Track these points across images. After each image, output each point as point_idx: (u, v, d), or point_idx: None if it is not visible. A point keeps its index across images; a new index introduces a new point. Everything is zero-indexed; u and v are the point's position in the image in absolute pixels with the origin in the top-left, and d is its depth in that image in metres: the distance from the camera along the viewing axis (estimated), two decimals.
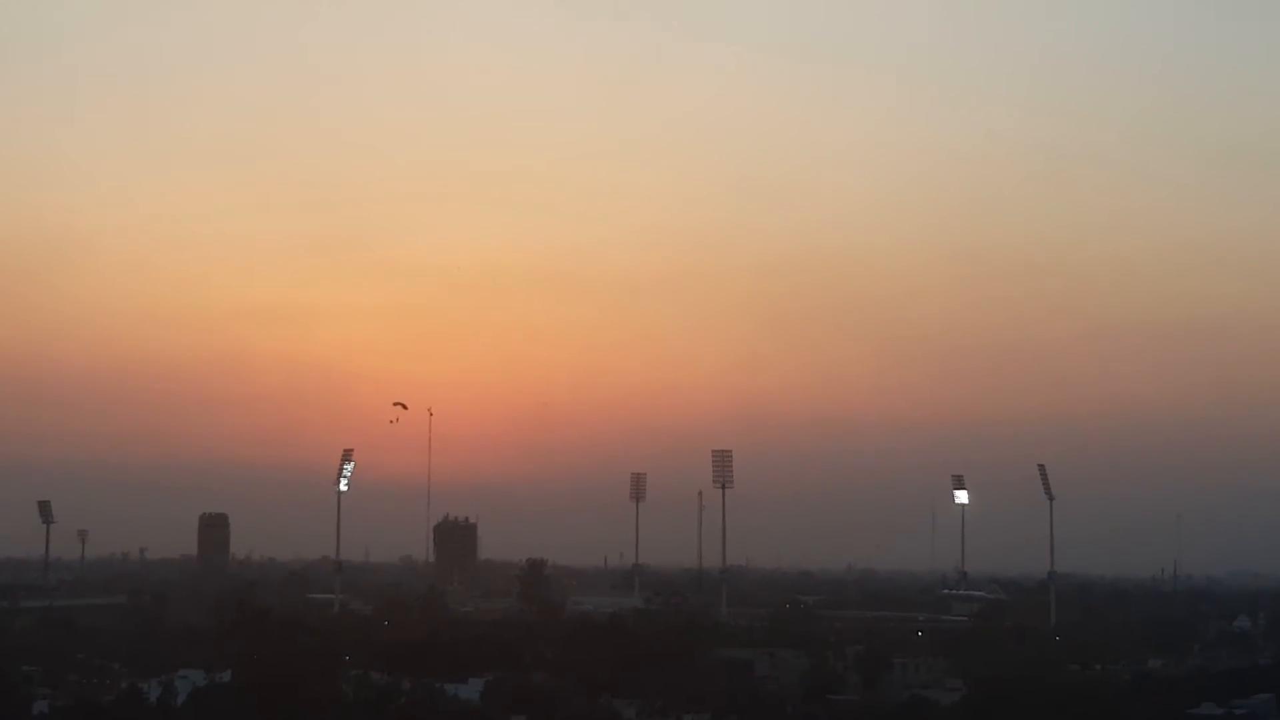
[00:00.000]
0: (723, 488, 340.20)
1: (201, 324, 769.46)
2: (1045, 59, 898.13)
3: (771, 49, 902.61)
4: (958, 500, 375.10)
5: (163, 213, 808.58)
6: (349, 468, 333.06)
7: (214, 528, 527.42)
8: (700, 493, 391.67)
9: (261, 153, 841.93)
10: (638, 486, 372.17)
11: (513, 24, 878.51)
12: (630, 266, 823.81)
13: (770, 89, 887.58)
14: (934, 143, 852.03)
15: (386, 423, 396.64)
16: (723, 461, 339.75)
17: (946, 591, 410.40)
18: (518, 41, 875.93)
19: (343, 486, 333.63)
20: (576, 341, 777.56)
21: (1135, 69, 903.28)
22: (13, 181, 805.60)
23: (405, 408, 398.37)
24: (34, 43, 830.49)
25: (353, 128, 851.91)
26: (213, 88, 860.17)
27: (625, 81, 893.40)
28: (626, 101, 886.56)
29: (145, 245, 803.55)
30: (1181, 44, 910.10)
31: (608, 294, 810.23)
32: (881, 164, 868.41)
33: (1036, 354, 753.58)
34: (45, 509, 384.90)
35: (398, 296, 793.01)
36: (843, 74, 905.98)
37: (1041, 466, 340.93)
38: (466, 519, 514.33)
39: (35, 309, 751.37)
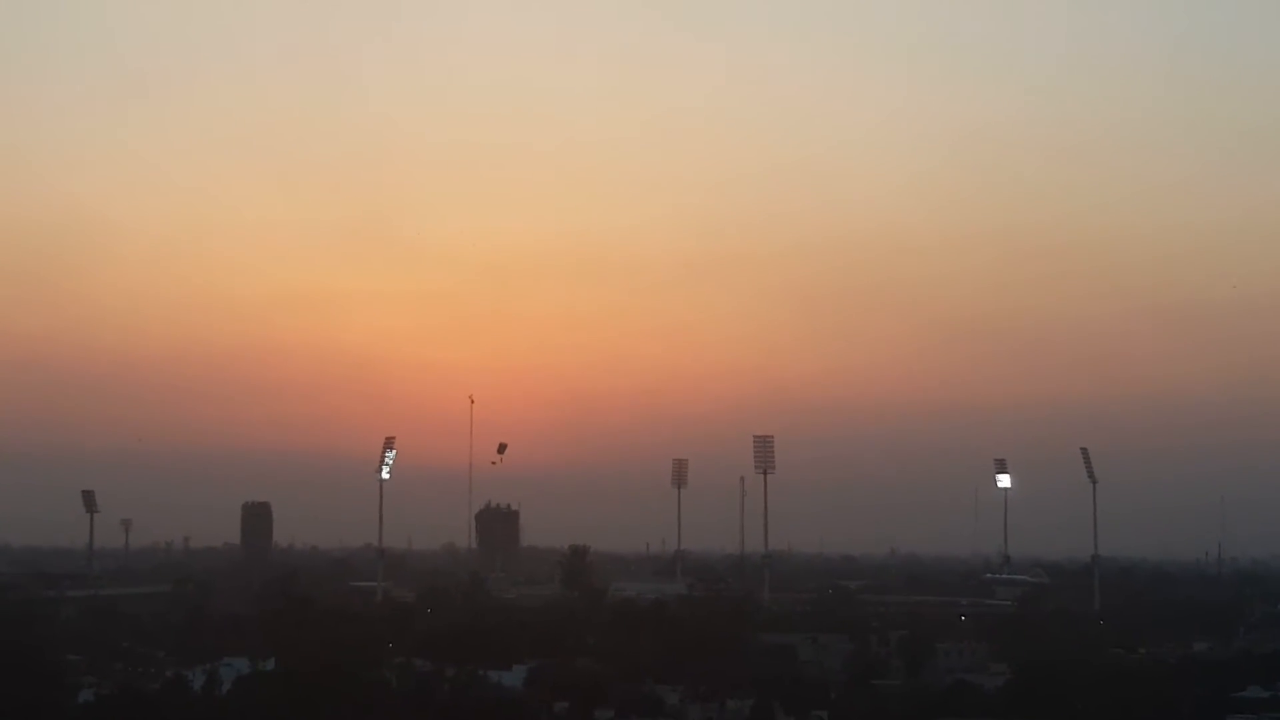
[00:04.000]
0: (764, 473, 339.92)
1: (239, 312, 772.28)
2: (1075, 36, 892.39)
3: (800, 31, 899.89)
4: (1000, 484, 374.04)
5: (197, 201, 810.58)
6: (391, 455, 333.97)
7: (257, 516, 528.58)
8: (742, 478, 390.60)
9: (294, 140, 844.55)
10: (679, 472, 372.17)
11: (541, 9, 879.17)
12: (662, 252, 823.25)
13: (799, 71, 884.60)
14: (964, 122, 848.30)
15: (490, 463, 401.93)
16: (764, 447, 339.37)
17: (990, 576, 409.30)
18: (547, 26, 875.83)
19: (385, 474, 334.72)
20: (609, 328, 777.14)
21: (1166, 44, 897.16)
22: (49, 170, 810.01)
23: (505, 447, 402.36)
24: (68, 34, 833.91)
25: (385, 115, 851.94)
26: (244, 77, 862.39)
27: (654, 67, 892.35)
28: (655, 87, 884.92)
29: (181, 233, 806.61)
30: (1214, 18, 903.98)
31: (639, 280, 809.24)
32: (912, 145, 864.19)
33: (1074, 335, 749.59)
34: (89, 498, 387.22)
35: (430, 283, 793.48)
36: (871, 55, 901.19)
37: (1084, 450, 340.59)
38: (508, 506, 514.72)
39: (73, 297, 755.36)
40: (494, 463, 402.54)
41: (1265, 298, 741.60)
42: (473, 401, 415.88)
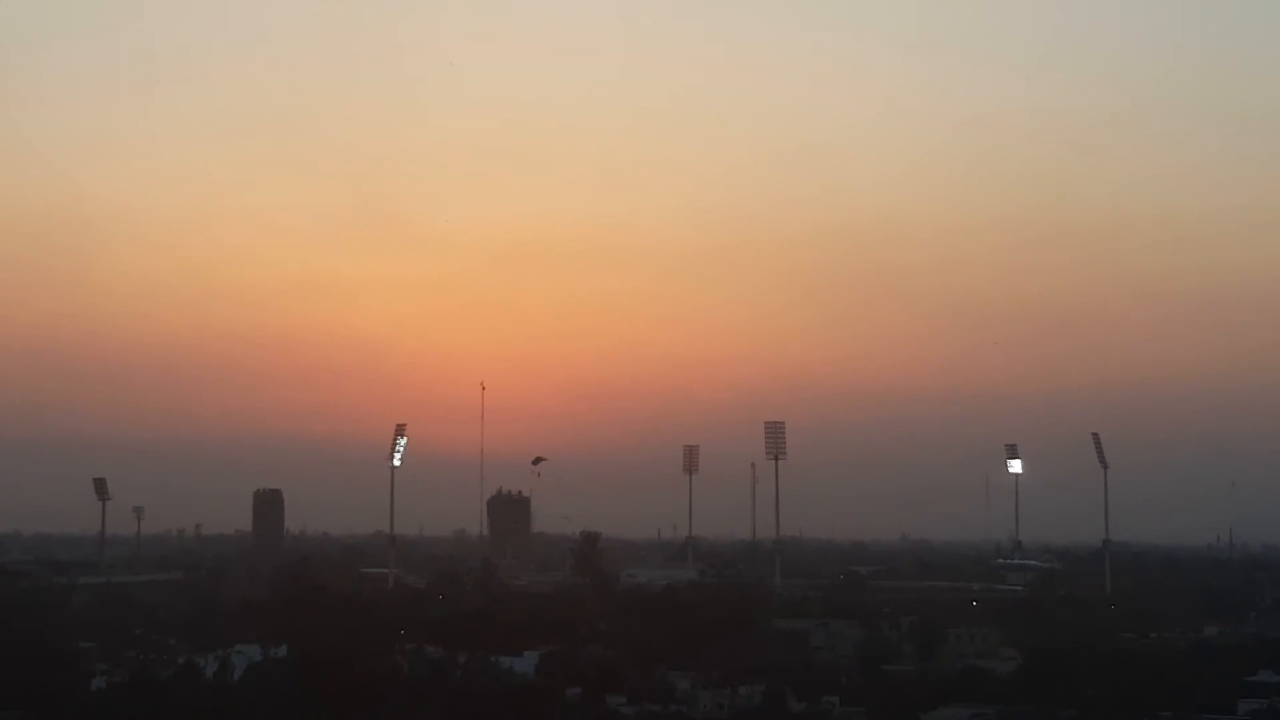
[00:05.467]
0: (775, 459, 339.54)
1: (249, 299, 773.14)
2: (1079, 22, 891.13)
3: (803, 19, 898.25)
4: (1011, 469, 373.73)
5: (207, 188, 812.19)
6: (402, 442, 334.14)
7: (268, 503, 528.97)
8: (753, 464, 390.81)
9: (304, 128, 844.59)
10: (691, 458, 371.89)
11: None
12: (670, 239, 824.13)
13: (804, 59, 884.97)
14: (970, 109, 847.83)
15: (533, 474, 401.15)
16: (775, 433, 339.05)
17: (1001, 561, 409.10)
18: (555, 14, 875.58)
19: (396, 461, 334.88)
20: (619, 315, 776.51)
21: (1169, 31, 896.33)
22: (57, 158, 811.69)
23: (544, 459, 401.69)
24: (76, 22, 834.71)
25: (397, 102, 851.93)
26: (254, 64, 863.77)
27: (660, 56, 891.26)
28: (661, 76, 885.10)
29: (191, 220, 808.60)
30: (1216, 5, 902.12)
31: (649, 267, 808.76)
32: (918, 131, 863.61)
33: (1084, 321, 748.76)
34: (101, 485, 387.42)
35: (441, 270, 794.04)
36: (875, 42, 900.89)
37: (1095, 435, 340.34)
38: (520, 492, 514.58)
39: (83, 284, 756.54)
40: (536, 475, 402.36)
41: (1275, 283, 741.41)
42: (484, 389, 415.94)
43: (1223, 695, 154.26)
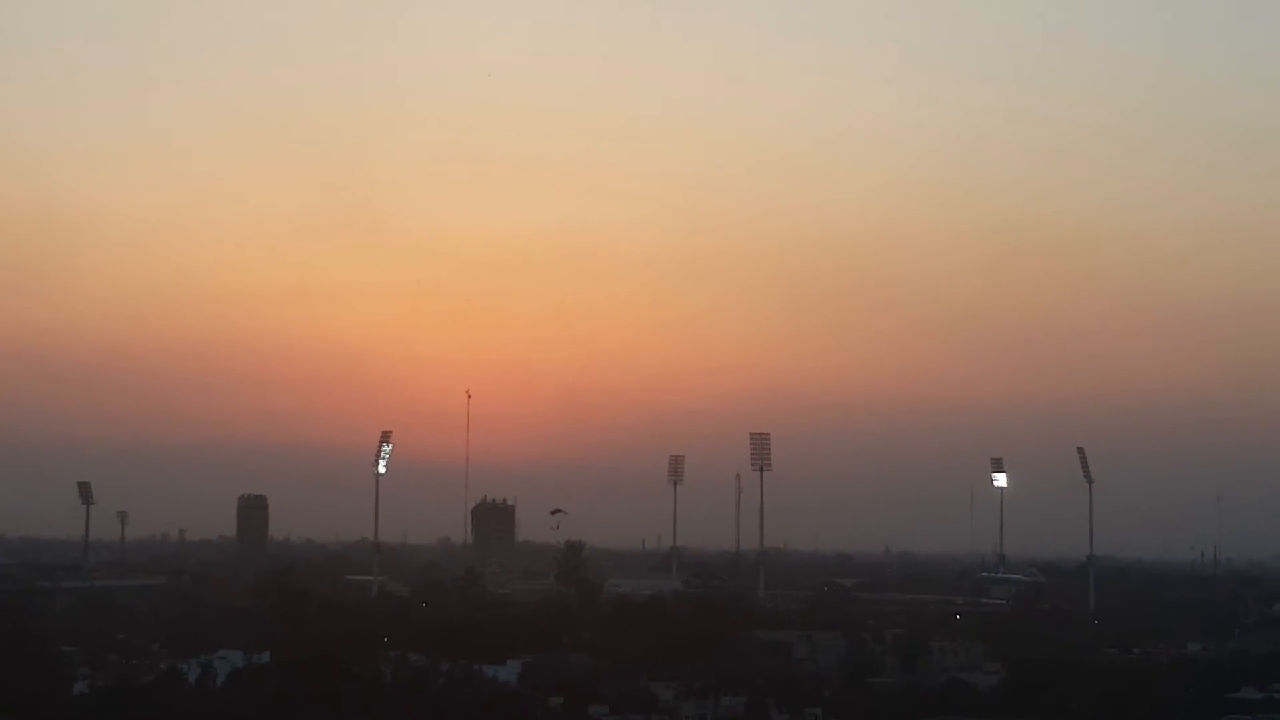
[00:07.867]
0: (761, 470, 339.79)
1: (233, 304, 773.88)
2: (1067, 34, 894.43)
3: (792, 28, 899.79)
4: (996, 483, 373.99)
5: (191, 194, 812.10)
6: (387, 449, 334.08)
7: (253, 509, 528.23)
8: (738, 475, 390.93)
9: (286, 133, 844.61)
10: (676, 469, 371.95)
11: (536, 4, 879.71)
12: (656, 248, 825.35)
13: (791, 68, 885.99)
14: (957, 120, 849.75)
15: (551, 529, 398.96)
16: (761, 444, 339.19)
17: (985, 575, 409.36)
18: (543, 22, 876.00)
19: (381, 468, 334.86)
20: (603, 323, 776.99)
21: (1158, 43, 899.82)
22: (41, 163, 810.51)
23: (563, 512, 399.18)
24: (61, 26, 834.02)
25: (378, 109, 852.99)
26: (238, 68, 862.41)
27: (647, 63, 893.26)
28: (648, 83, 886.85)
29: (175, 226, 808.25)
30: (1206, 17, 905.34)
31: (634, 275, 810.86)
32: (905, 141, 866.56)
33: (1070, 334, 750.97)
34: (85, 490, 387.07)
35: (425, 277, 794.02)
36: (863, 52, 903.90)
37: (1081, 449, 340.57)
38: (504, 501, 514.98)
39: (66, 289, 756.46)
40: (554, 528, 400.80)
41: (1261, 297, 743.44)
42: (470, 396, 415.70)
43: (1206, 711, 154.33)
